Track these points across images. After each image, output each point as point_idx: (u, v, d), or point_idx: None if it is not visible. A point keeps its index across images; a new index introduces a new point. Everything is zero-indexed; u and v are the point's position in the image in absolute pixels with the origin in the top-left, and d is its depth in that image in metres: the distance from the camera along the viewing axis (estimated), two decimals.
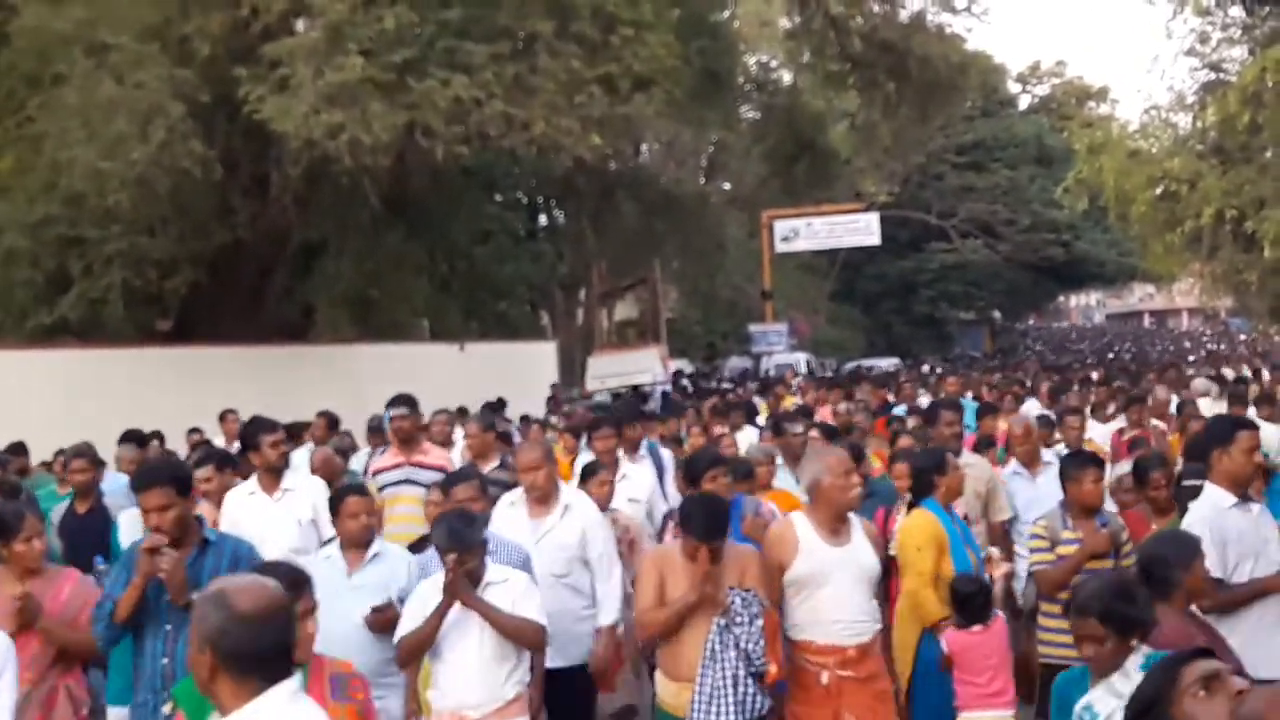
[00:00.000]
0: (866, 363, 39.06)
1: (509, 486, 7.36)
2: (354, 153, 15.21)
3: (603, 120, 16.80)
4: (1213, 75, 22.63)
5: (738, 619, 5.12)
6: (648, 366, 27.16)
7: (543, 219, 35.35)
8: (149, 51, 15.65)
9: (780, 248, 39.16)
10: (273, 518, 7.04)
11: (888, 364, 38.70)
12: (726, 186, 44.08)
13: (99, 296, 17.32)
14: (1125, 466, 7.46)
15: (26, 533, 5.36)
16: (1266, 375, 20.15)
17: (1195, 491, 5.79)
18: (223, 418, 13.50)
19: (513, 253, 29.46)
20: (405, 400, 8.49)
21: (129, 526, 7.31)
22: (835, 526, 5.52)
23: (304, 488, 7.38)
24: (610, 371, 26.90)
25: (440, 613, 5.12)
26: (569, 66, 16.21)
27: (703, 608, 5.16)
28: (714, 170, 44.74)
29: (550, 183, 30.30)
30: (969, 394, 15.52)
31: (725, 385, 26.81)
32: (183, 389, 16.38)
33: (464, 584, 5.12)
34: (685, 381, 30.77)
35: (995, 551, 7.28)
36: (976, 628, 5.91)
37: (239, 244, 18.62)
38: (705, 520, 5.27)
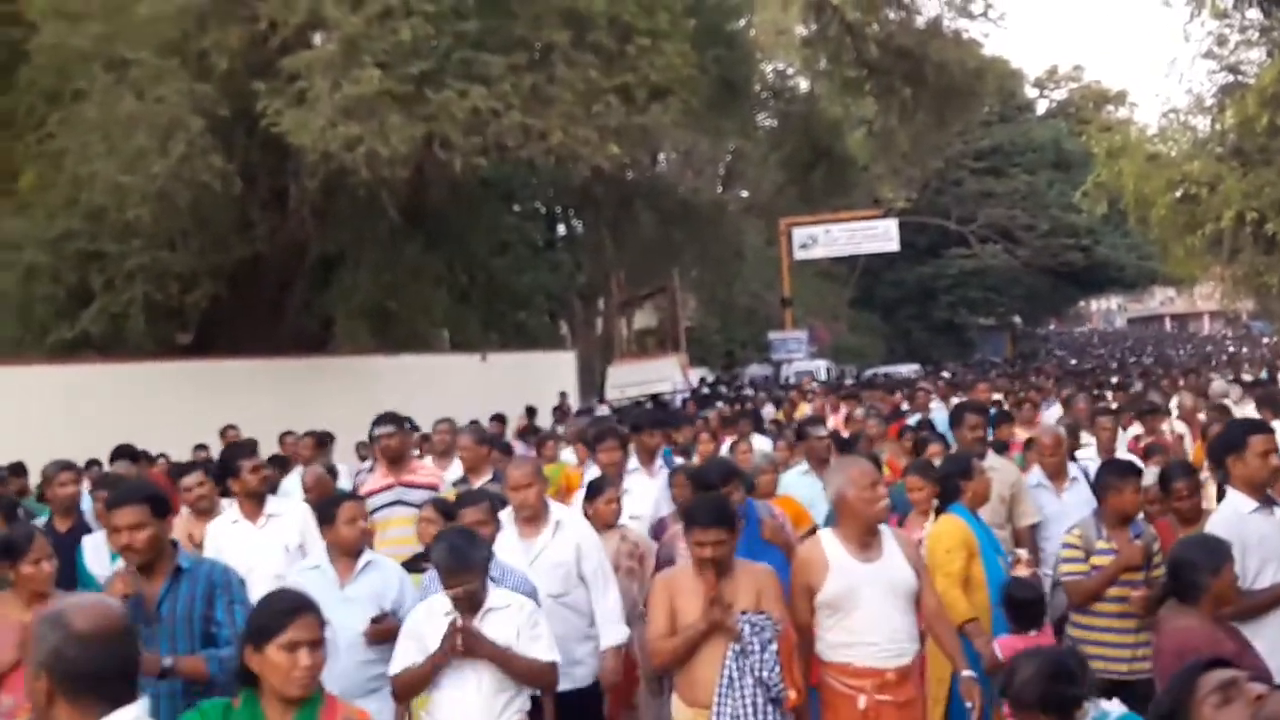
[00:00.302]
0: (886, 369, 38.94)
1: (503, 501, 7.26)
2: (371, 165, 15.26)
3: (620, 130, 16.83)
4: (1231, 78, 22.48)
5: (750, 647, 4.96)
6: (668, 375, 27.20)
7: (561, 229, 35.40)
8: (168, 66, 15.74)
9: (799, 255, 39.13)
10: (258, 545, 6.79)
11: (908, 370, 38.55)
12: (744, 194, 44.02)
13: (120, 311, 17.40)
14: (1152, 476, 7.37)
15: (35, 554, 5.13)
16: None
17: None
18: (223, 434, 13.44)
19: (531, 263, 29.49)
20: (392, 418, 8.13)
21: (94, 551, 7.08)
22: (865, 541, 5.25)
23: (290, 512, 7.12)
24: (630, 380, 26.92)
25: (442, 656, 4.92)
26: (586, 76, 16.24)
27: (715, 632, 5.02)
28: (731, 178, 44.70)
29: (568, 192, 30.37)
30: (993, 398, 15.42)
31: (746, 393, 26.75)
32: (203, 402, 16.41)
33: (476, 637, 4.89)
34: (706, 389, 30.74)
35: (1023, 554, 7.22)
36: (1031, 633, 5.90)
37: (258, 257, 18.70)
38: (709, 510, 5.18)
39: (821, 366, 35.63)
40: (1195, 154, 20.08)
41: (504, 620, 4.99)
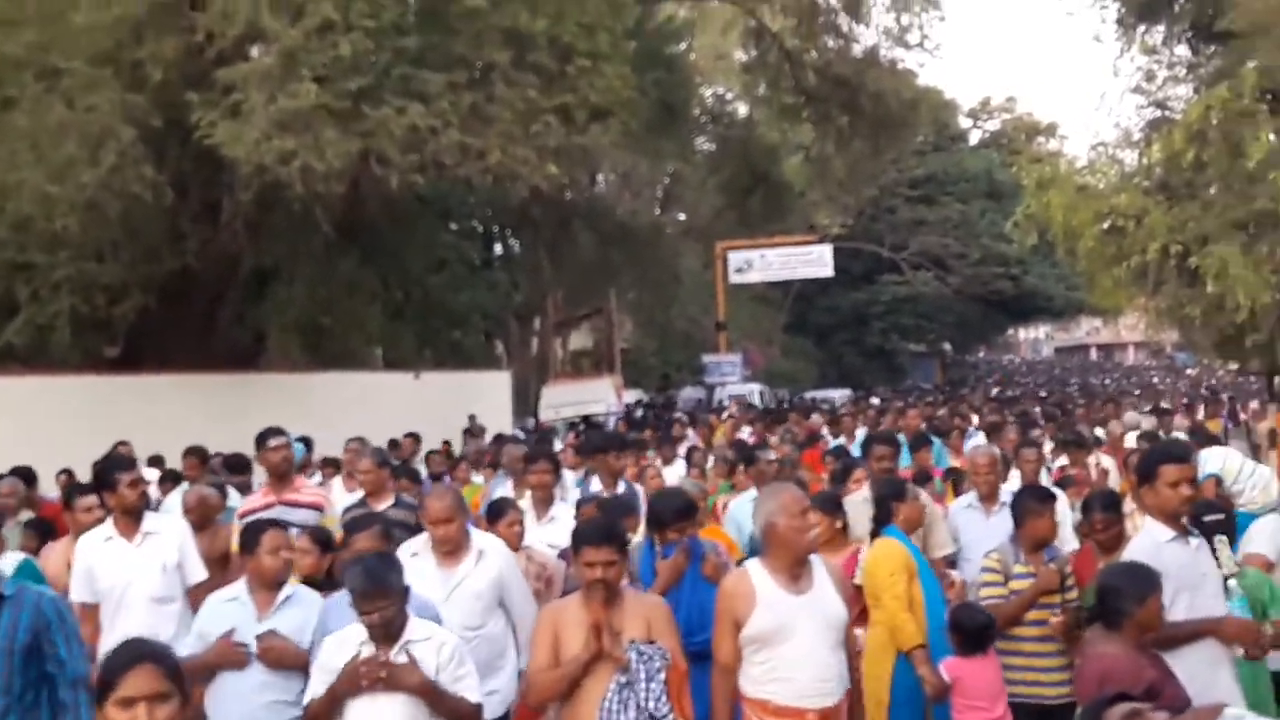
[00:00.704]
0: (818, 394, 39.19)
1: (408, 527, 6.91)
2: (306, 179, 15.13)
3: (559, 150, 16.84)
4: (1159, 113, 22.91)
5: (635, 676, 4.68)
6: (602, 396, 27.21)
7: (498, 248, 35.34)
8: (101, 76, 15.52)
9: (734, 279, 39.31)
10: (133, 564, 6.33)
11: (839, 395, 38.86)
12: (682, 217, 44.26)
13: (46, 323, 17.10)
14: (1067, 504, 7.45)
15: None
16: (1203, 411, 20.47)
17: (1216, 527, 5.88)
18: (114, 449, 13.17)
19: (468, 281, 29.37)
20: (280, 431, 7.80)
21: None
22: (795, 572, 4.95)
23: (168, 529, 6.65)
24: (564, 401, 26.92)
25: (350, 684, 4.60)
26: (525, 96, 16.24)
27: (600, 663, 4.72)
28: (669, 201, 44.89)
29: (506, 212, 30.31)
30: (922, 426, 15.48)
31: (679, 416, 26.83)
32: (131, 417, 16.12)
33: (402, 668, 4.59)
34: (640, 411, 30.77)
35: (956, 575, 7.29)
36: (977, 656, 5.95)
37: (189, 270, 18.45)
38: (599, 528, 4.99)
39: (755, 390, 35.80)
40: (1122, 187, 20.31)
41: (423, 653, 4.69)
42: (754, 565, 5.11)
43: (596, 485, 8.78)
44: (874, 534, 6.67)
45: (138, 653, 3.30)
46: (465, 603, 5.82)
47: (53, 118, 15.33)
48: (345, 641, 4.71)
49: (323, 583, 5.97)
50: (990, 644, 6.02)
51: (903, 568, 6.25)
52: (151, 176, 15.52)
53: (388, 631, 4.63)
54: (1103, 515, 6.44)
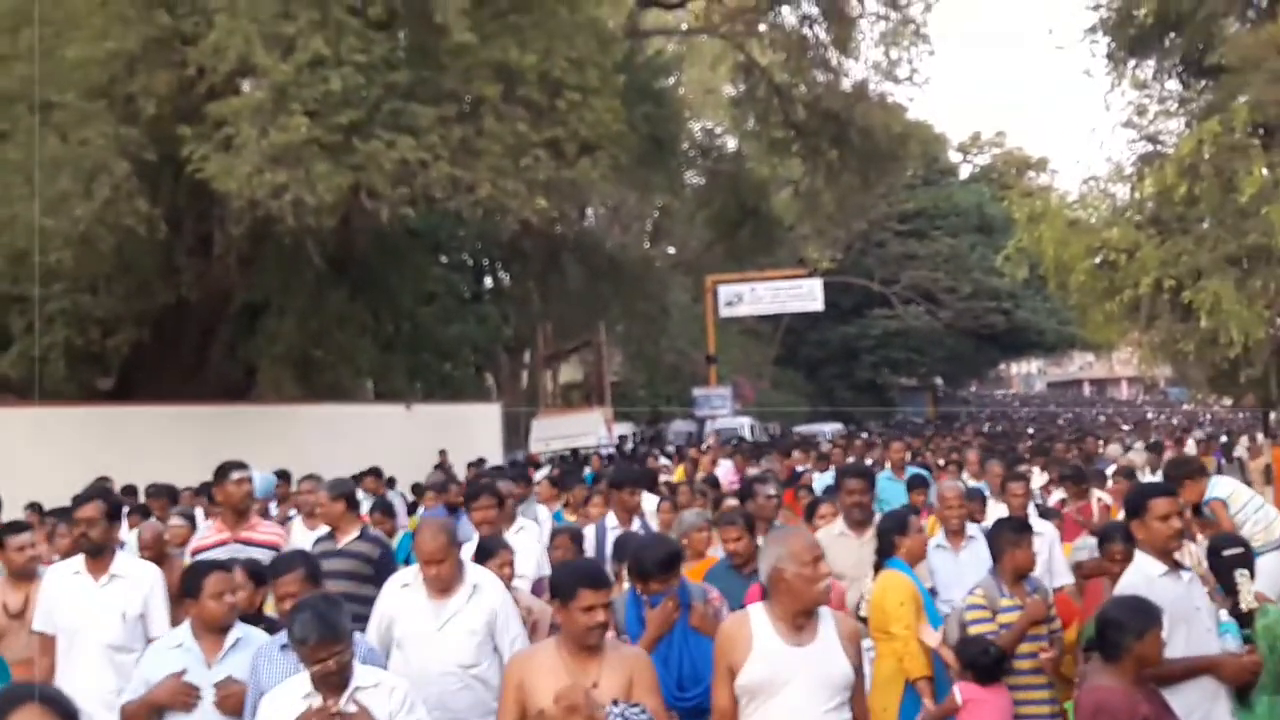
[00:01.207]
0: (808, 429, 39.22)
1: (372, 561, 6.77)
2: (297, 213, 15.22)
3: (549, 183, 16.92)
4: (1150, 147, 22.98)
5: None
6: (592, 429, 27.29)
7: (488, 281, 35.45)
8: (94, 109, 15.61)
9: (724, 312, 39.39)
10: (94, 604, 6.04)
11: (830, 429, 38.90)
12: (671, 251, 44.44)
13: (40, 355, 17.15)
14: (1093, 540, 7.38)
15: None
16: (1193, 444, 20.48)
17: (1236, 561, 5.82)
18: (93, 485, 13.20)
19: (458, 314, 29.48)
20: (241, 464, 7.43)
21: None
22: (799, 623, 4.54)
23: (138, 575, 6.24)
24: (554, 434, 27.01)
25: None
26: (515, 130, 16.33)
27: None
28: (659, 235, 45.08)
29: (496, 245, 30.45)
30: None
31: (666, 449, 26.90)
32: (123, 449, 16.19)
33: (355, 716, 4.37)
34: (631, 445, 30.81)
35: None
36: (991, 685, 5.96)
37: (182, 303, 18.54)
38: (596, 570, 4.72)
39: (745, 424, 35.82)
40: (1114, 221, 20.40)
41: (373, 700, 4.45)
42: (756, 611, 4.73)
43: (613, 521, 8.65)
44: (877, 566, 6.71)
45: (23, 693, 3.18)
46: (460, 638, 5.58)
47: (46, 151, 15.42)
48: (288, 697, 4.45)
49: (252, 618, 5.79)
50: (1003, 675, 5.99)
51: (910, 599, 6.29)
52: (145, 210, 15.60)
53: (341, 679, 4.38)
54: (1122, 546, 6.28)
